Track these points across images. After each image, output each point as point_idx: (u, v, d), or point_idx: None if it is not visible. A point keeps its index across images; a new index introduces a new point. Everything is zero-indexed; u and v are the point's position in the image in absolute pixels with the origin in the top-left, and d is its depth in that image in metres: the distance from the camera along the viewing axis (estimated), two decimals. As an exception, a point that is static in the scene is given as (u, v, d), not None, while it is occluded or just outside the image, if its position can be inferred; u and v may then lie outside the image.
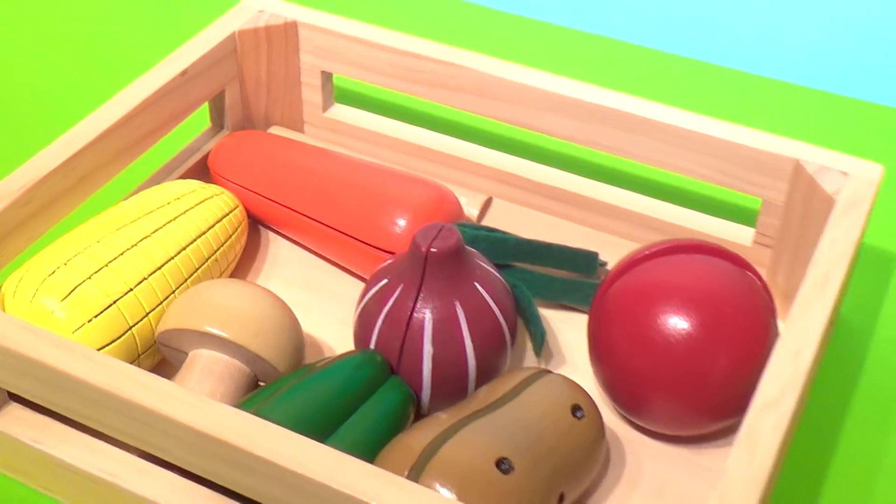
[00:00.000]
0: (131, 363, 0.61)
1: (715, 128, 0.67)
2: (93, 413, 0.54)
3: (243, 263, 0.72)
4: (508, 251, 0.67)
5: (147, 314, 0.61)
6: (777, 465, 0.50)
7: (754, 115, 0.87)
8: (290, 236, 0.73)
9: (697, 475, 0.60)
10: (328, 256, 0.71)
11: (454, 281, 0.59)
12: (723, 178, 0.68)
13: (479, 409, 0.55)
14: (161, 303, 0.62)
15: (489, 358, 0.60)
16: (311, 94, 0.80)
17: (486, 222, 0.75)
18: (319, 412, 0.55)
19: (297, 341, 0.61)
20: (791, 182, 0.66)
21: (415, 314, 0.59)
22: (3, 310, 0.60)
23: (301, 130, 0.82)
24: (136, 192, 0.72)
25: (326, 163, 0.71)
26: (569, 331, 0.68)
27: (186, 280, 0.64)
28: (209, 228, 0.67)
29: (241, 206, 0.71)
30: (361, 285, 0.71)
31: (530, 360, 0.67)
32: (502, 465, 0.52)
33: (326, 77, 0.79)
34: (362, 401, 0.57)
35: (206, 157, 0.77)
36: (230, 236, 0.68)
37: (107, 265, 0.61)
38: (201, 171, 0.77)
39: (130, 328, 0.60)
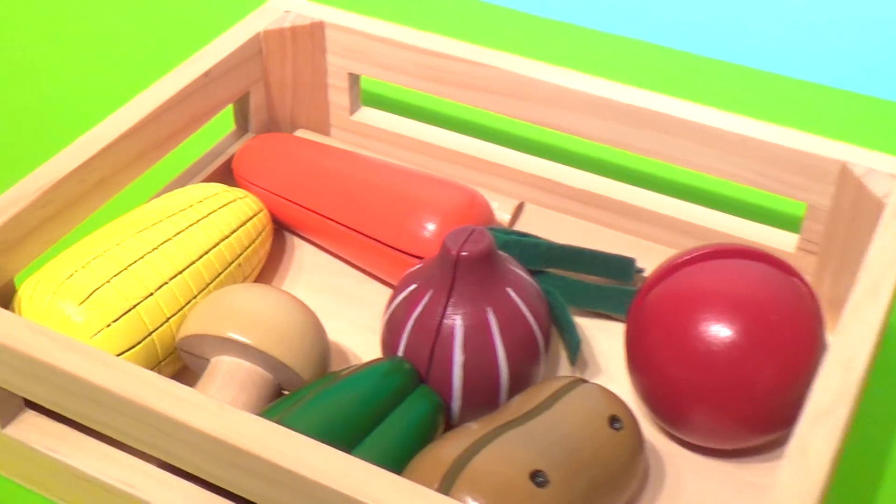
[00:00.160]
0: (151, 369, 0.59)
1: (757, 129, 0.65)
2: (110, 421, 0.52)
3: (267, 269, 0.70)
4: (541, 256, 0.65)
5: (168, 319, 0.59)
6: (829, 479, 0.47)
7: (795, 120, 0.84)
8: (315, 241, 0.71)
9: (741, 491, 0.58)
10: (355, 262, 0.69)
11: (486, 286, 0.57)
12: (765, 182, 0.66)
13: (511, 419, 0.53)
14: (182, 308, 0.60)
15: (522, 366, 0.57)
16: (338, 96, 0.78)
17: (517, 228, 0.73)
18: (345, 421, 0.53)
19: (323, 348, 0.59)
20: (837, 185, 0.63)
21: (445, 320, 0.56)
22: (20, 313, 0.58)
23: (327, 134, 0.80)
24: (158, 196, 0.70)
25: (353, 165, 0.69)
26: (604, 339, 0.66)
27: (209, 285, 0.62)
28: (232, 232, 0.65)
29: (265, 210, 0.69)
30: (389, 292, 0.69)
31: (564, 369, 0.64)
32: (537, 477, 0.50)
33: (353, 79, 0.77)
34: (390, 410, 0.55)
35: (230, 161, 0.75)
36: (254, 240, 0.66)
37: (126, 269, 0.59)
38: (225, 174, 0.75)
39: (150, 334, 0.58)
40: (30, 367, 0.52)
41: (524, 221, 0.74)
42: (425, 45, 0.72)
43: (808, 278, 0.67)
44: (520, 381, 0.58)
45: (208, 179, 0.73)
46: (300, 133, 0.79)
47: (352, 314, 0.67)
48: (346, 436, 0.53)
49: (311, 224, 0.69)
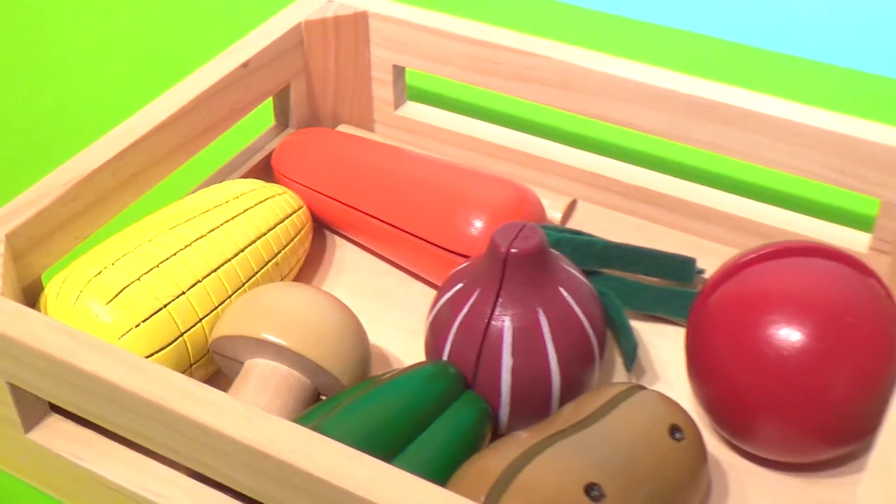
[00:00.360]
0: (182, 373, 0.56)
1: (829, 120, 0.61)
2: (138, 426, 0.49)
3: (307, 269, 0.67)
4: (595, 255, 0.61)
5: (200, 320, 0.56)
6: (913, 496, 0.43)
7: (863, 114, 0.80)
8: (357, 240, 0.68)
9: (811, 507, 0.54)
10: (398, 262, 0.66)
11: (537, 285, 0.53)
12: (836, 177, 0.62)
13: (564, 427, 0.50)
14: (216, 308, 0.57)
15: (575, 371, 0.54)
16: (382, 90, 0.75)
17: (570, 226, 0.70)
18: (386, 429, 0.50)
19: (363, 351, 0.55)
20: (915, 179, 0.59)
21: (493, 322, 0.53)
22: (46, 312, 0.55)
23: (371, 129, 0.77)
24: (194, 193, 0.67)
25: (397, 161, 0.66)
26: (663, 344, 0.62)
27: (244, 284, 0.59)
28: (270, 230, 0.62)
29: (305, 207, 0.66)
30: (434, 293, 0.66)
31: (620, 375, 0.60)
32: (592, 491, 0.46)
33: (398, 72, 0.74)
34: (434, 417, 0.52)
35: (269, 157, 0.72)
36: (293, 239, 0.63)
37: (157, 266, 0.56)
38: (264, 171, 0.72)
39: (182, 335, 0.55)
40: (53, 369, 0.49)
41: (577, 220, 0.70)
42: (473, 34, 0.69)
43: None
44: (572, 388, 0.54)
45: (246, 176, 0.71)
46: (342, 129, 0.76)
47: (394, 316, 0.64)
48: (387, 444, 0.49)
49: (352, 222, 0.66)
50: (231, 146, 0.77)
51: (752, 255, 0.55)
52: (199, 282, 0.57)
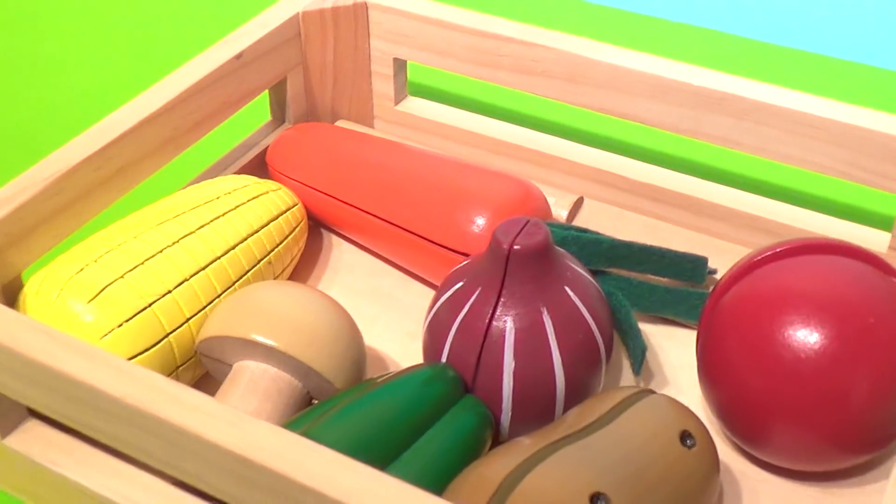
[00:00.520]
0: (168, 375, 0.53)
1: (849, 113, 0.59)
2: (119, 432, 0.46)
3: (301, 268, 0.65)
4: (603, 254, 0.59)
5: (187, 320, 0.54)
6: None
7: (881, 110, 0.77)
8: (354, 238, 0.65)
9: (830, 519, 0.51)
10: (397, 261, 0.63)
11: (541, 284, 0.51)
12: (855, 173, 0.59)
13: (568, 433, 0.47)
14: (204, 308, 0.55)
15: (581, 374, 0.51)
16: (383, 84, 0.72)
17: (576, 224, 0.67)
18: (380, 435, 0.47)
19: (357, 353, 0.53)
20: (938, 175, 0.57)
21: (494, 322, 0.50)
22: (25, 311, 0.52)
23: (371, 125, 0.75)
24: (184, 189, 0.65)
25: (395, 156, 0.64)
26: (672, 347, 0.59)
27: (234, 283, 0.57)
28: (262, 227, 0.59)
29: (300, 204, 0.63)
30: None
31: (627, 379, 0.58)
32: (598, 501, 0.43)
33: (399, 65, 0.72)
34: (431, 422, 0.49)
35: (264, 153, 0.70)
36: (286, 237, 0.61)
37: (143, 263, 0.54)
38: (259, 168, 0.70)
39: (167, 335, 0.53)
40: (30, 371, 0.47)
41: (583, 218, 0.68)
42: (477, 25, 0.67)
43: (903, 281, 0.61)
44: (578, 391, 0.52)
45: (240, 172, 0.68)
46: (341, 124, 0.74)
47: (392, 318, 0.62)
48: (381, 451, 0.47)
49: (349, 219, 0.64)
50: (225, 142, 0.74)
51: (768, 253, 0.52)
52: (186, 280, 0.54)
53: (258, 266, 0.58)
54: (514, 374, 0.50)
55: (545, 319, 0.51)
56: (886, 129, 0.57)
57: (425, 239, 0.60)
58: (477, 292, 0.52)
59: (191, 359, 0.54)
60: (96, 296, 0.52)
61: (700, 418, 0.50)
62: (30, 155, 0.76)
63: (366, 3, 0.69)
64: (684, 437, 0.48)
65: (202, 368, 0.56)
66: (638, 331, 0.57)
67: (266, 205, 0.61)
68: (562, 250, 0.54)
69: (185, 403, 0.44)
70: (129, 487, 0.49)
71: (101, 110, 0.80)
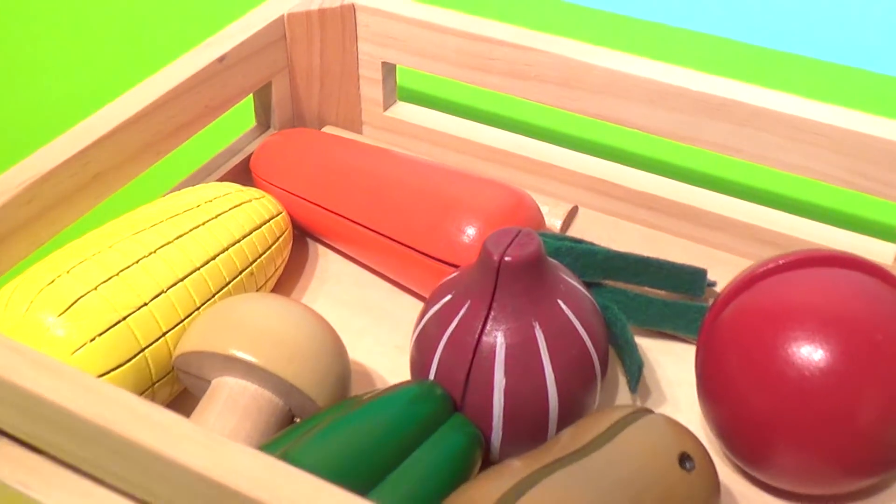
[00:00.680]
0: (144, 392, 0.51)
1: (848, 120, 0.57)
2: (88, 453, 0.44)
3: (285, 279, 0.63)
4: (598, 266, 0.57)
5: (164, 334, 0.51)
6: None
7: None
8: (340, 248, 0.63)
9: (835, 544, 0.49)
10: (385, 272, 0.61)
11: (533, 297, 0.49)
12: (857, 181, 0.57)
13: (562, 455, 0.45)
14: (182, 321, 0.52)
15: (575, 392, 0.49)
16: (371, 89, 0.70)
17: (570, 234, 0.65)
18: (363, 456, 0.45)
19: (341, 369, 0.50)
20: (947, 184, 0.54)
21: (484, 337, 0.48)
22: (-7, 325, 0.50)
23: (359, 131, 0.73)
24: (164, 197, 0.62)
25: (383, 164, 0.62)
26: (670, 363, 0.57)
27: (214, 295, 0.54)
28: (245, 236, 0.57)
29: (284, 213, 0.61)
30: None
31: (623, 397, 0.56)
32: (593, 528, 0.41)
33: (388, 69, 0.70)
34: (418, 443, 0.47)
35: (248, 160, 0.68)
36: (270, 246, 0.58)
37: (117, 275, 0.51)
38: (243, 174, 0.67)
39: (142, 350, 0.50)
40: (-5, 388, 0.45)
41: (578, 228, 0.66)
42: (468, 28, 0.65)
43: (910, 294, 0.58)
44: (572, 410, 0.50)
45: (223, 179, 0.66)
46: (328, 130, 0.72)
47: (380, 331, 0.59)
48: (365, 474, 0.45)
49: (335, 229, 0.62)
50: (208, 147, 0.72)
51: (770, 266, 0.50)
52: (163, 292, 0.52)
53: (239, 277, 0.56)
54: (505, 391, 0.48)
55: (537, 334, 0.48)
56: (891, 136, 0.55)
57: (414, 249, 0.58)
58: (466, 306, 0.49)
59: (167, 374, 0.52)
60: (68, 308, 0.49)
61: (699, 439, 0.48)
62: (6, 159, 0.74)
63: (353, 5, 0.67)
64: (683, 459, 0.46)
65: (180, 384, 0.54)
66: (635, 346, 0.54)
67: (249, 213, 0.58)
68: (555, 262, 0.52)
69: (156, 423, 0.42)
70: (100, 511, 0.46)
71: (80, 113, 0.77)
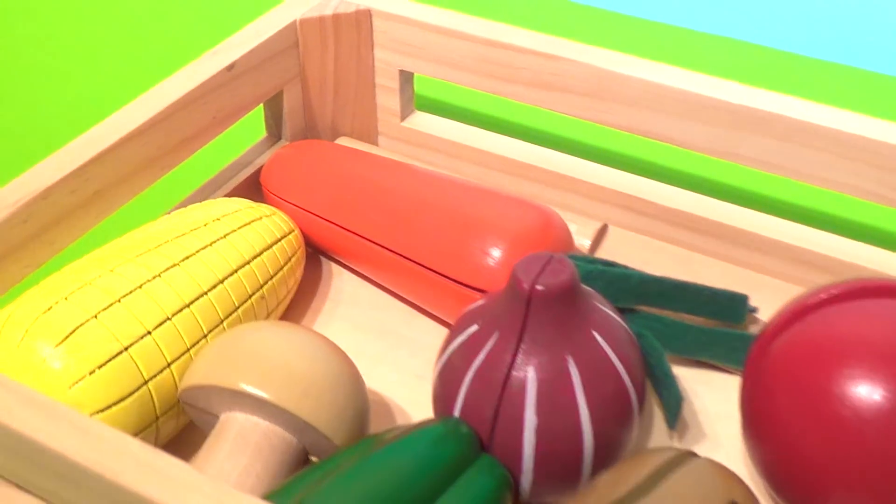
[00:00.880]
0: (147, 428, 0.48)
1: (904, 135, 0.53)
2: (80, 501, 0.41)
3: (298, 300, 0.59)
4: (632, 291, 0.53)
5: (168, 365, 0.48)
6: None
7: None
8: (356, 269, 0.60)
9: None
10: (403, 294, 0.58)
11: (566, 328, 0.45)
12: (912, 202, 0.54)
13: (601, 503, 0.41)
14: (188, 350, 0.49)
15: (611, 431, 0.46)
16: (387, 98, 0.67)
17: (600, 255, 0.62)
18: (387, 503, 0.41)
19: (359, 404, 0.47)
20: None
21: (514, 372, 0.45)
22: (-15, 356, 0.47)
23: (374, 142, 0.70)
24: (169, 214, 0.59)
25: (402, 179, 0.59)
26: (709, 393, 0.54)
27: (223, 321, 0.51)
28: (255, 256, 0.54)
29: (297, 231, 0.58)
30: (444, 331, 0.58)
31: (658, 429, 0.52)
32: (637, 589, 0.38)
33: (406, 78, 0.67)
34: (444, 487, 0.44)
35: (258, 173, 0.65)
36: (282, 267, 0.55)
37: (119, 301, 0.48)
38: (253, 188, 0.64)
39: (146, 382, 0.47)
40: (-15, 427, 0.41)
41: (608, 248, 0.63)
42: (490, 35, 0.62)
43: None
44: (608, 450, 0.46)
45: (232, 194, 0.63)
46: (342, 141, 0.69)
47: (398, 358, 0.56)
48: (387, 523, 0.41)
49: (351, 248, 0.59)
50: (215, 160, 0.69)
51: (823, 296, 0.47)
52: (168, 319, 0.49)
53: (249, 301, 0.53)
54: (537, 430, 0.45)
55: (571, 368, 0.45)
56: (950, 154, 0.52)
57: (434, 272, 0.55)
58: (494, 337, 0.46)
59: (172, 407, 0.49)
60: (66, 338, 0.46)
61: (749, 486, 0.44)
62: (5, 174, 0.71)
63: (369, 11, 0.64)
64: (732, 508, 0.42)
65: (186, 417, 0.50)
66: (673, 378, 0.51)
67: (259, 232, 0.55)
68: (588, 288, 0.48)
69: (160, 472, 0.38)
70: (98, 559, 0.43)
71: (80, 126, 0.75)
